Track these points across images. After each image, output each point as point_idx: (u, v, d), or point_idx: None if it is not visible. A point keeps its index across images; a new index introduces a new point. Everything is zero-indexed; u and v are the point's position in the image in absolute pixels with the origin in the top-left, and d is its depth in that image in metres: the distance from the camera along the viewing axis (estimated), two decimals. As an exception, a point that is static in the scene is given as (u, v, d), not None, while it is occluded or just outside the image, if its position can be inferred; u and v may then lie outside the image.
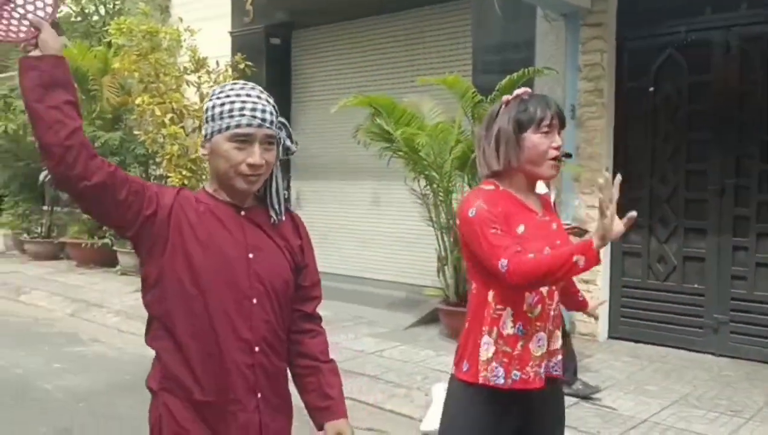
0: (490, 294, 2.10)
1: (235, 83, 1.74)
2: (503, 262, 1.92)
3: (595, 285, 5.89)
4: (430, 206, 6.24)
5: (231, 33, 8.82)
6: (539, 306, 2.09)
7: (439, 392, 3.87)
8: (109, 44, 9.02)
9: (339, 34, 8.27)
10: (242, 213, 1.76)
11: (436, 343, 5.90)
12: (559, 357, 2.18)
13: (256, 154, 1.67)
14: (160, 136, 7.91)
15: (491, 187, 2.12)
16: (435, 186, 6.08)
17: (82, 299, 7.55)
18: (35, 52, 1.54)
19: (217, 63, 8.11)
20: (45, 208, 10.63)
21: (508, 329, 2.08)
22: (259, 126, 1.67)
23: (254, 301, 1.71)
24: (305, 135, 8.68)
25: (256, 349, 1.71)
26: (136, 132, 8.36)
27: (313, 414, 1.84)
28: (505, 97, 2.14)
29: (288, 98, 8.75)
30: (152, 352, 1.78)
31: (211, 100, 1.71)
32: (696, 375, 5.01)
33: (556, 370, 2.17)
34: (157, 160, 8.29)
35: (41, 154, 1.54)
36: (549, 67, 5.76)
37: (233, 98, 1.68)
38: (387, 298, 7.18)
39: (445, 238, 6.18)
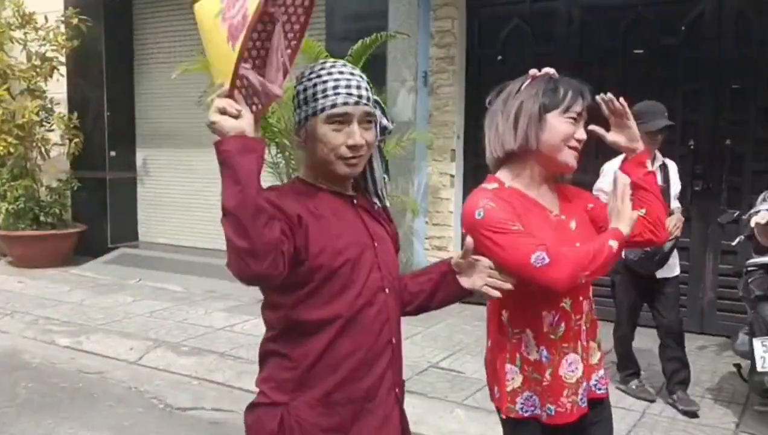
0: (504, 315, 1.87)
1: (324, 62, 1.60)
2: (539, 255, 1.70)
3: (447, 252, 5.96)
4: (282, 176, 6.02)
5: (62, -14, 8.03)
6: (562, 325, 1.83)
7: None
8: None
9: (184, -8, 7.76)
10: (354, 201, 1.66)
11: (289, 315, 5.73)
12: (601, 372, 1.93)
13: (356, 134, 1.55)
14: (-19, 99, 7.09)
15: (494, 185, 1.87)
16: (287, 154, 5.87)
17: None
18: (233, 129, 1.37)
19: (46, 18, 7.36)
20: None
21: (534, 354, 1.84)
22: (356, 103, 1.54)
23: (386, 290, 1.64)
24: (149, 100, 8.13)
25: (393, 340, 1.65)
26: (-49, 93, 7.45)
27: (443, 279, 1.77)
28: (532, 71, 1.92)
29: (130, 58, 8.14)
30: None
31: (300, 82, 1.58)
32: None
33: (600, 389, 1.92)
34: (-21, 125, 7.44)
35: (241, 257, 1.36)
36: (400, 32, 5.69)
37: (325, 77, 1.55)
38: (240, 271, 6.92)
39: (299, 208, 5.99)
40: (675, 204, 3.94)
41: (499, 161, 1.90)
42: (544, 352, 1.82)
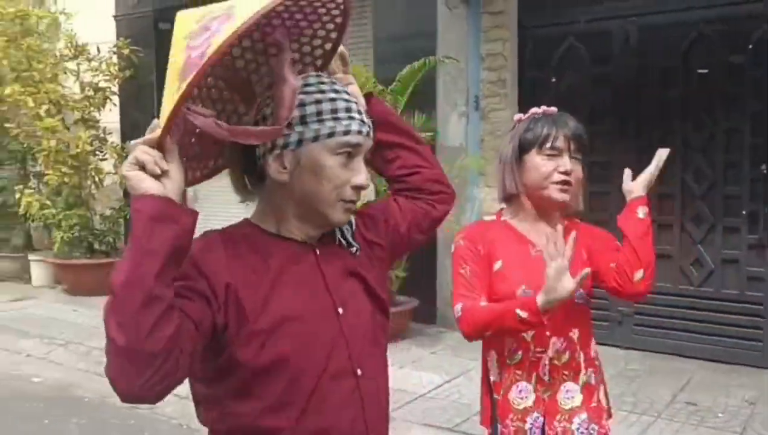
0: (530, 331, 1.91)
1: (319, 75, 1.27)
2: (458, 308, 1.84)
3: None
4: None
5: (114, 16, 8.16)
6: (519, 352, 1.88)
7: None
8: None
9: (233, 19, 7.78)
10: (317, 251, 1.30)
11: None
12: (584, 416, 1.86)
13: (363, 173, 1.25)
14: (36, 130, 7.22)
15: (492, 217, 2.01)
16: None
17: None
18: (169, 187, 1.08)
19: (98, 49, 7.47)
20: None
21: (494, 375, 1.94)
22: (367, 135, 1.26)
23: (358, 372, 1.28)
24: (200, 127, 8.17)
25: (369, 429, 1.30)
26: (8, 125, 7.61)
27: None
28: (516, 116, 2.00)
29: (180, 88, 8.20)
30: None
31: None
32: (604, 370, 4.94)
33: None
34: (35, 155, 7.58)
35: (117, 368, 1.03)
36: (450, 57, 5.56)
37: (332, 94, 1.23)
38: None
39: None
40: None
41: (506, 199, 1.99)
42: (500, 374, 1.91)
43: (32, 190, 7.47)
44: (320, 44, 1.35)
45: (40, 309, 6.89)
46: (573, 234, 1.73)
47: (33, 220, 7.73)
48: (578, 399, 1.88)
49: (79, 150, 7.22)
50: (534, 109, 1.95)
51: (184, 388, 4.14)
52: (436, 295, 5.92)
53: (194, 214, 1.08)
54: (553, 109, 1.95)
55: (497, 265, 1.87)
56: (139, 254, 1.02)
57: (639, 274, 1.84)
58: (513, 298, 1.81)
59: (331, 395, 1.24)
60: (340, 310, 1.28)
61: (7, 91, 7.09)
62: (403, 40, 6.29)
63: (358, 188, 1.25)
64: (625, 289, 1.88)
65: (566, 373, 1.88)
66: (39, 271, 7.93)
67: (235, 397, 1.21)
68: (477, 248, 1.88)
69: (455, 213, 5.81)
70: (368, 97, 1.44)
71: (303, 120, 1.21)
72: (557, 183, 1.84)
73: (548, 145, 1.85)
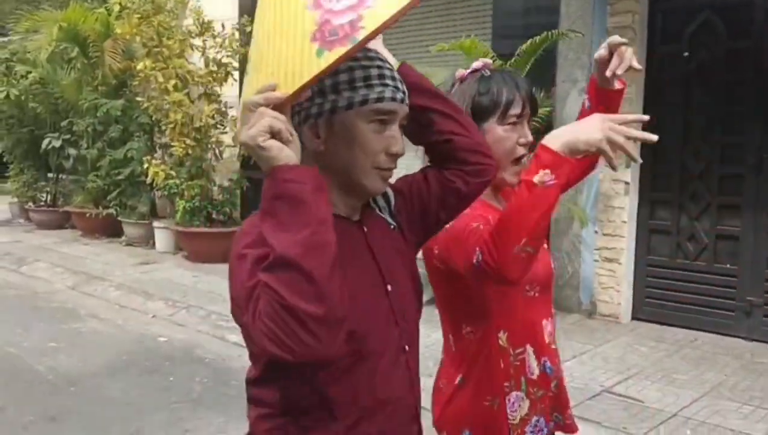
0: (501, 337, 1.61)
1: None
2: (477, 254, 1.40)
3: (619, 264, 5.55)
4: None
5: (238, -6, 8.43)
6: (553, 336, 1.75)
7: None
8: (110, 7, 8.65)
9: (351, -5, 7.84)
10: (365, 229, 1.30)
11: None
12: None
13: (399, 141, 1.23)
14: (164, 103, 7.60)
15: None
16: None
17: (83, 271, 7.31)
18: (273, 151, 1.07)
19: (223, 26, 7.74)
20: (50, 175, 10.39)
21: (536, 370, 1.66)
22: (402, 101, 1.23)
23: (406, 349, 1.31)
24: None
25: (416, 411, 1.35)
26: (139, 99, 8.05)
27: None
28: (459, 72, 1.67)
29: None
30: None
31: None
32: (728, 362, 4.68)
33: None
34: (162, 128, 7.98)
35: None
36: (574, 30, 5.36)
37: (365, 62, 1.20)
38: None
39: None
40: None
41: None
42: (547, 363, 1.68)
43: (158, 161, 7.87)
44: None
45: (163, 273, 7.29)
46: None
47: (158, 189, 8.16)
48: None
49: (202, 123, 7.53)
50: (475, 64, 1.64)
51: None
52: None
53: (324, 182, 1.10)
54: (488, 61, 1.65)
55: None
56: (317, 223, 1.03)
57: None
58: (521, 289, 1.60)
59: (387, 369, 1.25)
60: (389, 287, 1.28)
61: (140, 66, 7.48)
62: (523, 14, 6.12)
63: (394, 156, 1.23)
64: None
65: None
66: (162, 237, 8.38)
67: (304, 373, 1.19)
68: (487, 216, 1.55)
69: (571, 194, 5.63)
70: (400, 65, 1.37)
71: (336, 88, 1.18)
72: (516, 161, 1.59)
73: (514, 111, 1.58)
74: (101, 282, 6.94)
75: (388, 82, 1.20)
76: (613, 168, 1.40)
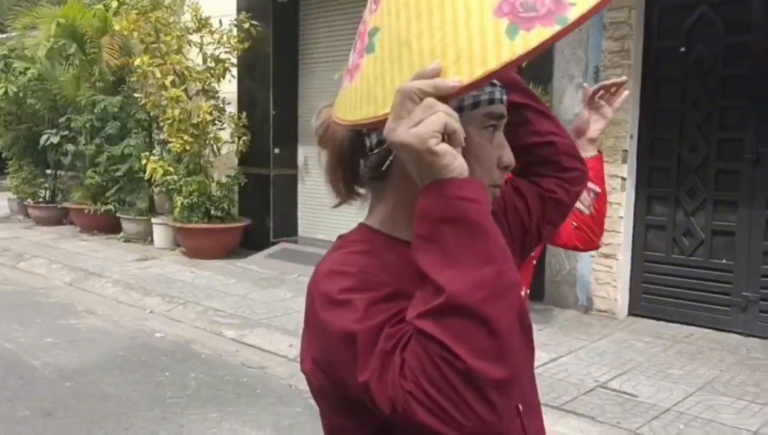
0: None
1: None
2: None
3: (615, 259, 5.55)
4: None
5: (235, -10, 8.41)
6: None
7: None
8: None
9: (348, -9, 7.84)
10: None
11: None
12: None
13: (509, 150, 1.01)
14: (162, 100, 7.60)
15: None
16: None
17: (81, 268, 7.32)
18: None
19: (220, 22, 7.73)
20: (49, 172, 10.40)
21: None
22: (506, 103, 1.03)
23: (520, 407, 1.06)
24: (312, 99, 8.31)
25: None
26: (136, 95, 8.05)
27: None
28: None
29: (295, 60, 8.36)
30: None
31: None
32: (723, 357, 4.68)
33: None
34: (160, 124, 7.98)
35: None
36: (571, 26, 5.34)
37: None
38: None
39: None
40: None
41: None
42: None
43: (156, 157, 7.87)
44: None
45: (161, 269, 7.29)
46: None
47: (156, 186, 8.17)
48: None
49: (200, 119, 7.52)
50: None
51: (292, 351, 4.24)
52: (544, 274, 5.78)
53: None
54: None
55: None
56: (501, 258, 0.80)
57: (601, 241, 1.85)
58: None
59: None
60: None
61: (137, 62, 7.49)
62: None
63: (506, 169, 1.02)
64: (586, 248, 1.85)
65: None
66: (160, 233, 8.39)
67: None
68: None
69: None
70: None
71: None
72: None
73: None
74: (99, 278, 6.95)
75: (494, 80, 0.96)
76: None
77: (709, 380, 4.26)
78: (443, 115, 0.79)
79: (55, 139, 9.38)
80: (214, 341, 5.23)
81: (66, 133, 9.35)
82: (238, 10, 8.01)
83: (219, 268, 7.41)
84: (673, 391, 4.08)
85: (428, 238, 0.81)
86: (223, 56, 7.81)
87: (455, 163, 0.80)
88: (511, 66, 0.79)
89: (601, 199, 1.77)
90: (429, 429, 0.77)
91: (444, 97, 0.80)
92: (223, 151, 8.10)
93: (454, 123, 0.80)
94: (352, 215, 1.11)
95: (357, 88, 0.92)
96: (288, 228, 8.45)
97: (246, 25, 7.66)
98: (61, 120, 9.33)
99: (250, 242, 8.04)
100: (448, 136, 0.80)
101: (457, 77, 0.79)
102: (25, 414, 3.89)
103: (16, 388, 4.27)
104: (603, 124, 1.69)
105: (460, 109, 0.90)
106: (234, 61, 7.90)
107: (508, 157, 1.01)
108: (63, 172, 10.26)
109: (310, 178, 8.46)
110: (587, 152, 1.66)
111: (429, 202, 0.81)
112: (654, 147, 5.50)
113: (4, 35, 11.08)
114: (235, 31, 7.79)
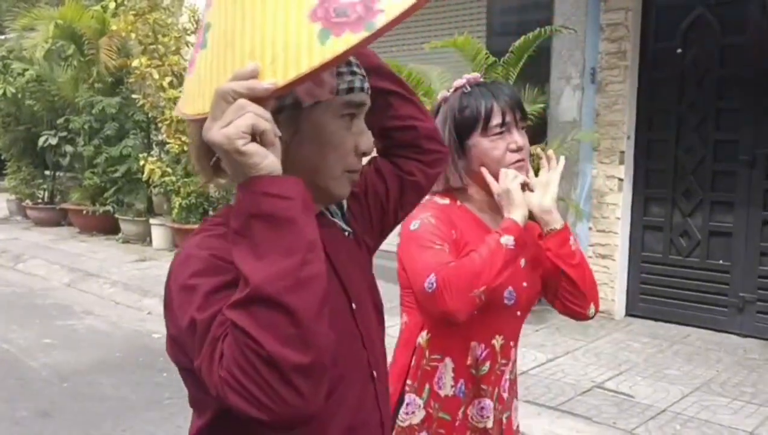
0: (423, 336, 1.58)
1: None
2: (430, 280, 1.42)
3: (613, 260, 5.56)
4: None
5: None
6: (487, 362, 1.58)
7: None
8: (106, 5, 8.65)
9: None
10: (347, 235, 1.17)
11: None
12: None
13: (369, 136, 1.06)
14: (160, 101, 7.60)
15: (446, 200, 1.63)
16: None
17: (80, 269, 7.33)
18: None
19: None
20: (47, 173, 10.40)
21: (447, 389, 1.57)
22: (368, 91, 1.06)
23: (374, 375, 1.15)
24: (311, 99, 8.32)
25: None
26: (135, 96, 8.06)
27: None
28: (442, 93, 1.67)
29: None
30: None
31: None
32: (720, 358, 4.70)
33: None
34: (158, 125, 7.99)
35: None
36: (566, 26, 5.37)
37: None
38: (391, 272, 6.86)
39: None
40: None
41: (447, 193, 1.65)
42: (462, 388, 1.57)
43: (155, 158, 7.88)
44: None
45: (159, 270, 7.29)
46: (562, 161, 1.64)
47: (155, 187, 8.17)
48: (516, 423, 1.72)
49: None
50: (457, 82, 1.63)
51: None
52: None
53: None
54: (476, 75, 1.65)
55: None
56: (304, 250, 0.83)
57: (591, 311, 1.66)
58: (500, 299, 1.55)
59: (355, 403, 1.08)
60: (354, 306, 1.11)
61: (135, 63, 7.49)
62: (517, 11, 6.12)
63: (364, 155, 1.07)
64: (575, 317, 1.69)
65: (513, 391, 1.68)
66: (159, 234, 8.40)
67: None
68: (450, 232, 1.54)
69: (565, 188, 5.64)
70: None
71: None
72: (513, 164, 1.58)
73: (495, 122, 1.57)
74: (97, 279, 6.96)
75: (356, 69, 1.03)
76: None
77: (706, 381, 4.27)
78: (252, 117, 0.82)
79: (54, 141, 9.38)
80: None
81: (64, 134, 9.35)
82: (237, 12, 8.02)
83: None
84: (670, 391, 4.09)
85: (240, 232, 0.85)
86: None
87: (264, 162, 0.84)
88: (321, 70, 0.83)
89: (579, 267, 1.62)
90: (243, 413, 0.82)
91: (261, 99, 0.83)
92: (222, 152, 8.10)
93: (264, 123, 0.83)
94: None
95: (193, 82, 0.96)
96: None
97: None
98: (59, 121, 9.33)
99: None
100: (258, 136, 0.84)
101: (273, 79, 0.83)
102: (23, 414, 3.90)
103: (14, 389, 4.28)
104: (552, 189, 1.63)
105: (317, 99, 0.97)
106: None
107: (366, 144, 1.05)
108: (61, 173, 10.26)
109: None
110: (549, 225, 1.61)
111: (241, 198, 0.86)
112: (651, 148, 5.51)
113: (3, 36, 11.08)
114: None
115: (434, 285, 1.42)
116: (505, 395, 1.64)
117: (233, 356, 0.81)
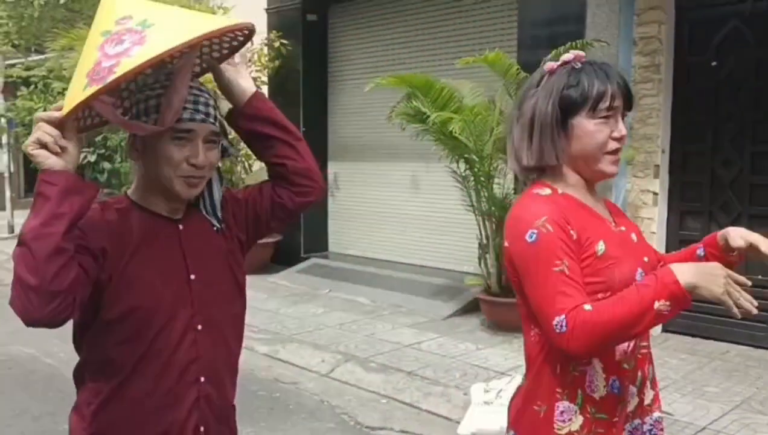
0: None
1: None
2: (560, 321, 1.38)
3: (649, 275, 5.50)
4: (470, 190, 5.91)
5: (267, 9, 8.55)
6: (633, 353, 1.55)
7: (477, 393, 3.59)
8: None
9: (377, 9, 7.93)
10: (181, 226, 1.57)
11: (476, 335, 5.61)
12: (656, 415, 1.62)
13: (200, 153, 1.48)
14: (195, 118, 7.73)
15: (546, 190, 1.54)
16: (476, 170, 5.75)
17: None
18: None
19: (252, 42, 7.85)
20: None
21: (600, 390, 1.51)
22: (203, 121, 1.49)
23: (198, 328, 1.54)
24: (342, 115, 8.41)
25: (202, 379, 1.56)
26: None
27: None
28: (548, 64, 1.56)
29: (324, 77, 8.47)
30: None
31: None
32: (760, 374, 4.61)
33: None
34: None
35: (38, 299, 1.29)
36: (599, 40, 5.35)
37: (173, 90, 1.50)
38: (427, 286, 6.89)
39: (487, 225, 5.84)
40: None
41: (529, 171, 1.60)
42: (617, 384, 1.51)
43: (190, 174, 7.99)
44: (218, 54, 1.67)
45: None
46: None
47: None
48: (651, 395, 1.64)
49: (231, 136, 7.61)
50: (566, 56, 1.54)
51: (325, 366, 4.27)
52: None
53: (97, 189, 1.37)
54: (581, 53, 1.56)
55: (600, 247, 1.48)
56: (49, 216, 1.28)
57: None
58: (633, 282, 1.49)
59: (170, 343, 1.50)
60: (192, 277, 1.54)
61: (170, 81, 7.64)
62: (548, 25, 6.12)
63: (194, 166, 1.47)
64: None
65: (649, 362, 1.62)
66: (194, 249, 8.50)
67: (100, 333, 1.49)
68: (569, 234, 1.45)
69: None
70: (253, 96, 1.68)
71: (145, 111, 1.46)
72: (611, 153, 1.52)
73: (603, 105, 1.49)
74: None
75: (188, 106, 1.45)
76: (734, 315, 1.44)
77: (746, 398, 4.20)
78: (39, 133, 1.30)
79: (92, 158, 9.59)
80: (246, 357, 5.23)
81: (102, 151, 9.57)
82: (269, 29, 8.15)
83: (250, 283, 7.34)
84: (710, 409, 4.03)
85: (34, 200, 1.31)
86: (254, 75, 7.93)
87: (47, 161, 1.30)
88: (81, 107, 1.29)
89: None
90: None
91: (61, 122, 1.31)
92: (255, 167, 8.21)
93: (46, 137, 1.30)
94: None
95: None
96: (318, 243, 8.52)
97: (276, 44, 7.78)
98: (97, 139, 9.54)
99: (281, 258, 8.12)
100: (44, 145, 1.30)
101: (65, 110, 1.31)
102: (65, 428, 3.97)
103: (56, 402, 4.37)
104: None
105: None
106: (265, 79, 8.03)
107: (196, 158, 1.47)
108: (99, 190, 10.47)
109: (341, 193, 8.54)
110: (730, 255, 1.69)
111: (37, 181, 1.33)
112: (686, 161, 5.45)
113: (43, 56, 11.37)
114: (265, 50, 7.91)
115: (564, 328, 1.38)
116: (644, 373, 1.60)
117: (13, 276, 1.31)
